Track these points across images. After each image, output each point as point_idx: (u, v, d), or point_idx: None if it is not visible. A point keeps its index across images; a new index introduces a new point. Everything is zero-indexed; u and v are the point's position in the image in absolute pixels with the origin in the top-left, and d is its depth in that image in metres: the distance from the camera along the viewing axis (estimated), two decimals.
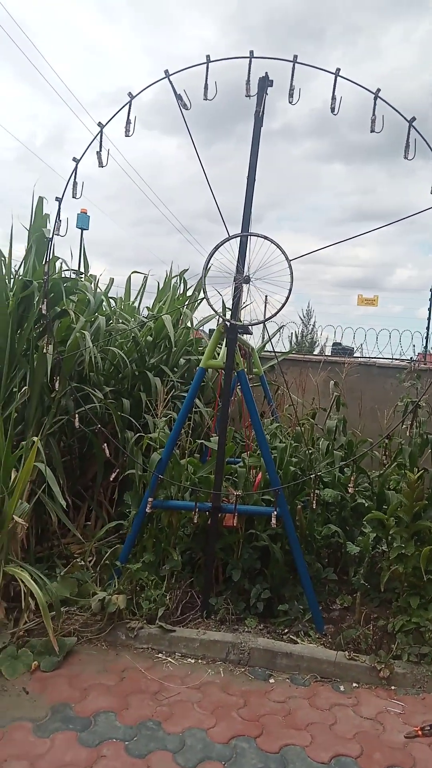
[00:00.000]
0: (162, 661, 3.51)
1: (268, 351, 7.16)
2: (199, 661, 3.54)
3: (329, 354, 11.00)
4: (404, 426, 4.02)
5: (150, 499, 3.88)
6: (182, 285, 6.86)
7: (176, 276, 6.73)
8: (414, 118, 3.40)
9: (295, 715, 3.04)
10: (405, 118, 3.40)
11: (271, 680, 3.40)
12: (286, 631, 3.86)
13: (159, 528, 4.20)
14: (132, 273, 6.29)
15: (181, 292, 6.83)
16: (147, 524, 4.17)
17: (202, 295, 6.14)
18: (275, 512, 3.79)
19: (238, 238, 3.91)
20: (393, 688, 3.36)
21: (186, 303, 6.53)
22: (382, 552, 4.36)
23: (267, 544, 4.12)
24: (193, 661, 3.54)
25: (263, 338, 6.79)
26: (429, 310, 7.01)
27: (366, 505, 4.76)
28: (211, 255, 3.89)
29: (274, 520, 3.79)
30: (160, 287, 6.65)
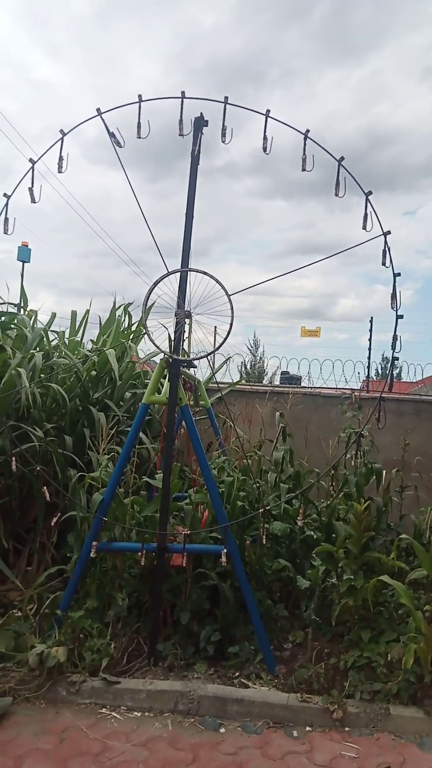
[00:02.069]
0: (106, 716, 3.30)
1: (215, 383, 7.14)
2: (146, 714, 3.35)
3: (279, 383, 11.10)
4: (348, 456, 4.04)
5: (94, 543, 3.71)
6: (127, 318, 6.78)
7: (120, 307, 6.65)
8: (342, 158, 3.50)
9: None
10: (334, 158, 3.51)
11: (222, 730, 3.25)
12: (237, 674, 3.73)
13: (103, 571, 4.02)
14: (72, 311, 6.16)
15: (126, 325, 6.75)
16: (90, 568, 3.98)
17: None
18: (224, 550, 3.69)
19: (178, 274, 3.90)
20: (347, 729, 3.28)
21: (131, 337, 6.44)
22: (332, 585, 4.32)
23: (216, 582, 4.01)
24: (139, 714, 3.35)
25: (212, 369, 6.76)
26: (369, 340, 7.16)
27: (315, 537, 4.73)
28: (150, 291, 3.85)
29: (224, 558, 3.69)
30: (105, 320, 6.55)
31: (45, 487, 3.90)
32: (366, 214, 3.46)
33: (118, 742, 3.07)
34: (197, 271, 3.86)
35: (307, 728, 3.29)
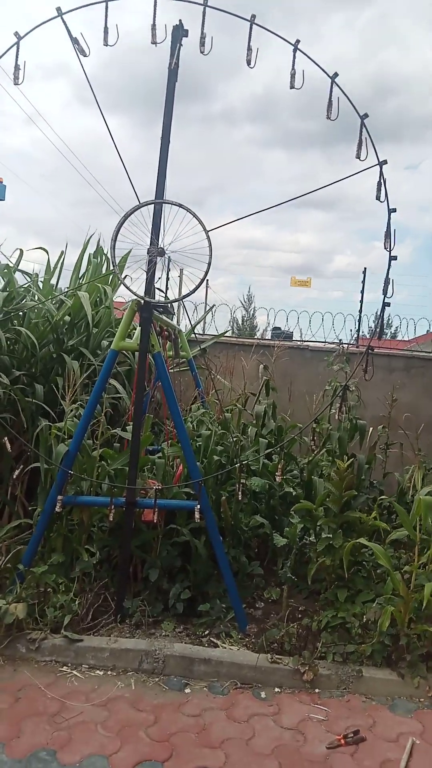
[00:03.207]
0: (66, 675, 3.15)
1: (196, 334, 6.84)
2: (109, 672, 3.21)
3: (269, 338, 10.79)
4: (333, 411, 3.80)
5: (59, 497, 3.48)
6: (105, 263, 6.39)
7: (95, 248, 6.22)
8: (336, 74, 3.11)
9: (210, 731, 2.77)
10: (327, 74, 3.11)
11: (187, 690, 3.12)
12: (206, 632, 3.59)
13: (70, 526, 3.82)
14: (44, 251, 5.75)
15: (106, 269, 6.36)
16: (57, 522, 3.77)
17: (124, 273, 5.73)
18: (198, 506, 3.49)
19: (152, 207, 3.54)
20: (317, 691, 3.15)
21: (110, 280, 6.07)
22: (310, 543, 4.15)
23: (189, 539, 3.83)
24: (101, 673, 3.20)
25: (189, 319, 6.44)
26: (361, 293, 6.86)
27: (294, 494, 4.55)
28: (120, 224, 3.50)
29: (197, 515, 3.49)
30: (81, 264, 6.15)
31: (6, 438, 3.64)
32: (360, 141, 3.09)
33: (76, 701, 2.92)
34: (171, 203, 3.50)
35: (276, 690, 3.16)
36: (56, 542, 3.77)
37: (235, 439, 4.38)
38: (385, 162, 3.24)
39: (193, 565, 3.92)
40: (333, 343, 7.16)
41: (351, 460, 3.90)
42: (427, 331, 9.64)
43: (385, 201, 3.26)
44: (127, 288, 3.53)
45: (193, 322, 6.33)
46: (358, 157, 3.15)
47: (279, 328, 10.96)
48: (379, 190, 3.25)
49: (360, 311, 7.14)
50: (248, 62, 3.18)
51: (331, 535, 3.83)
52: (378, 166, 3.24)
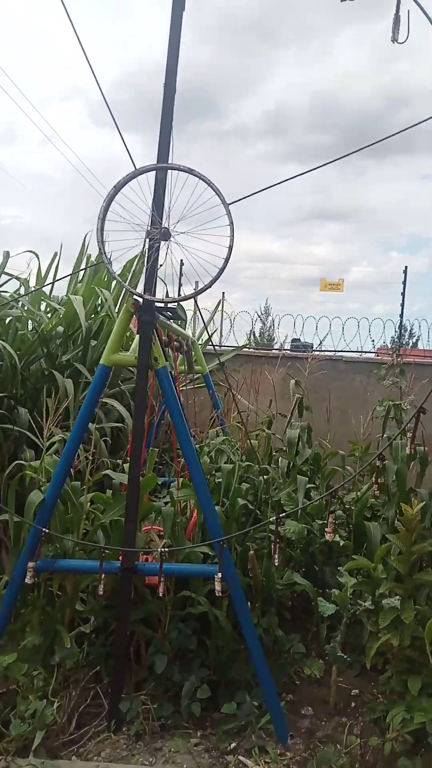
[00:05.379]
0: None
1: (213, 345, 5.96)
2: None
3: (290, 350, 9.90)
4: (406, 438, 2.87)
5: (30, 565, 2.58)
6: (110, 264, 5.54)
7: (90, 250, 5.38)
8: None
9: None
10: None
11: None
12: (233, 746, 2.63)
13: (49, 595, 2.91)
14: (32, 254, 4.92)
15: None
16: (33, 591, 2.87)
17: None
18: (219, 574, 2.55)
19: (153, 174, 2.67)
20: None
21: (112, 284, 5.23)
22: (366, 610, 3.18)
23: (206, 610, 2.90)
24: None
25: (203, 323, 5.55)
26: (402, 294, 5.95)
27: (341, 543, 3.59)
28: (110, 198, 2.64)
29: (218, 586, 2.55)
30: (80, 264, 5.32)
31: None
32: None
33: None
34: (179, 168, 2.63)
35: None
36: (31, 617, 2.85)
37: (263, 476, 3.45)
38: None
39: (213, 641, 3.00)
40: (371, 352, 6.22)
41: (422, 504, 2.93)
42: None
43: None
44: (119, 282, 2.66)
45: (208, 330, 5.44)
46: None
47: (298, 340, 10.24)
48: None
49: (401, 315, 6.19)
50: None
51: (398, 604, 2.86)
52: None
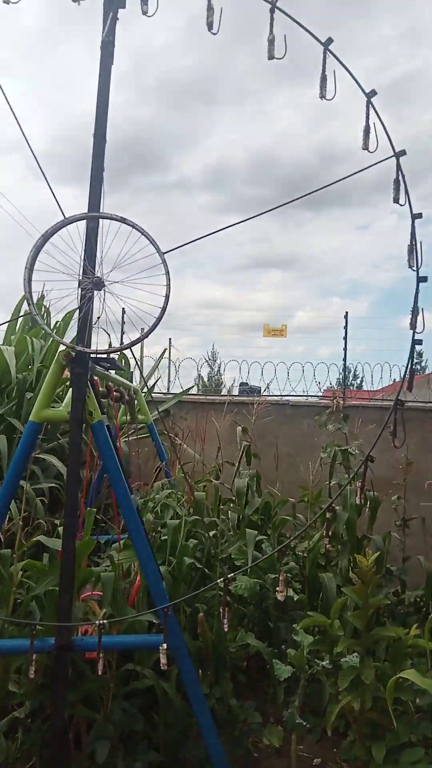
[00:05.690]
0: None
1: (152, 393, 5.83)
2: None
3: (237, 395, 9.85)
4: (355, 485, 2.80)
5: None
6: (47, 315, 5.39)
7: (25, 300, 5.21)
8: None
9: None
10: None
11: None
12: None
13: None
14: None
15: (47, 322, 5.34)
16: None
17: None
18: (164, 645, 2.34)
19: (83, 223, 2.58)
20: None
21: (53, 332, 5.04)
22: (323, 669, 3.02)
23: (152, 683, 2.66)
24: None
25: (141, 372, 5.43)
26: (344, 338, 6.05)
27: (295, 597, 3.44)
28: (38, 248, 2.52)
29: (163, 659, 2.33)
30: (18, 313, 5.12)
31: None
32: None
33: None
34: (111, 217, 2.55)
35: None
36: None
37: (212, 531, 3.29)
38: (403, 152, 2.37)
39: (161, 717, 2.75)
40: (316, 396, 6.24)
41: (376, 554, 2.83)
42: (393, 380, 8.63)
43: (406, 203, 2.38)
44: (48, 332, 2.51)
45: (150, 378, 5.32)
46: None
47: (246, 383, 10.21)
48: (397, 190, 2.36)
49: (344, 359, 6.27)
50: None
51: (357, 663, 2.71)
52: (394, 158, 2.37)
